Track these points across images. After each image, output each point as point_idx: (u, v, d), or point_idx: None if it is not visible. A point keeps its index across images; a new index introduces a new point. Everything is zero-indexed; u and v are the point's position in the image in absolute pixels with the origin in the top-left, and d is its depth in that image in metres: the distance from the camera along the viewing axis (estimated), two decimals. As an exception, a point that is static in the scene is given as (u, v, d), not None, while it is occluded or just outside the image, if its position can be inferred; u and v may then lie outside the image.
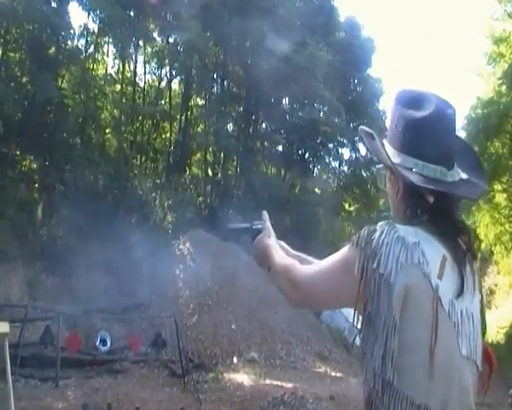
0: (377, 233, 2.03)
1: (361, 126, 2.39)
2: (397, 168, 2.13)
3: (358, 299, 2.02)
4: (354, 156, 42.99)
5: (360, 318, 2.07)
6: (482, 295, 2.20)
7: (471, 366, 2.03)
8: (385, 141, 2.27)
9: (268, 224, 2.79)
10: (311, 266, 2.38)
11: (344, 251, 2.13)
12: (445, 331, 1.95)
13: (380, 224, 2.08)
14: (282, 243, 2.85)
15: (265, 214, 2.85)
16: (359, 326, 2.09)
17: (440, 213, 2.12)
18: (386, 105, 40.13)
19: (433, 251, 2.02)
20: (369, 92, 41.19)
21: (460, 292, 2.03)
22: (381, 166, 2.35)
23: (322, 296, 2.23)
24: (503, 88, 27.97)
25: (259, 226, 2.82)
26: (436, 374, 1.91)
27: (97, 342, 16.63)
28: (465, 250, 2.13)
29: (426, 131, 2.13)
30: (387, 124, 2.34)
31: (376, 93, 42.09)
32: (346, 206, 44.84)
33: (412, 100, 2.20)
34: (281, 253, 2.62)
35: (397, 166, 2.14)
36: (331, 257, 2.19)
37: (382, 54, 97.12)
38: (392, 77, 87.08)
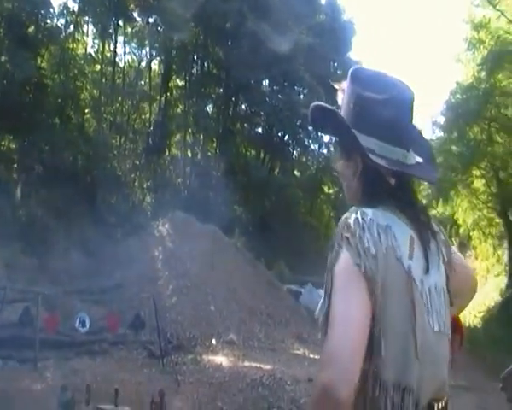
0: (351, 221, 1.96)
1: (317, 103, 2.26)
2: (365, 150, 2.07)
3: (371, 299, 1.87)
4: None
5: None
6: (446, 264, 2.22)
7: (443, 340, 2.07)
8: None
9: None
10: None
11: (341, 268, 1.92)
12: (419, 312, 1.97)
13: (348, 213, 2.02)
14: None
15: None
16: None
17: (403, 195, 2.13)
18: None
19: (402, 232, 2.02)
20: (349, 75, 41.14)
21: (426, 269, 2.04)
22: (334, 144, 2.33)
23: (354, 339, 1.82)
24: (483, 74, 28.08)
25: None
26: (416, 355, 1.93)
27: (76, 324, 16.57)
28: (427, 228, 2.13)
29: (387, 113, 2.11)
30: (343, 104, 2.24)
31: (356, 76, 42.05)
32: (325, 188, 44.89)
33: (373, 80, 2.18)
34: None
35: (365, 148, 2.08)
36: (334, 294, 1.91)
37: (363, 37, 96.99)
38: (372, 60, 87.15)
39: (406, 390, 1.92)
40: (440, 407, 2.06)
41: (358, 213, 1.99)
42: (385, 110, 2.11)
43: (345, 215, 2.03)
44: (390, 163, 2.07)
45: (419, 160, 2.17)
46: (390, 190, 2.11)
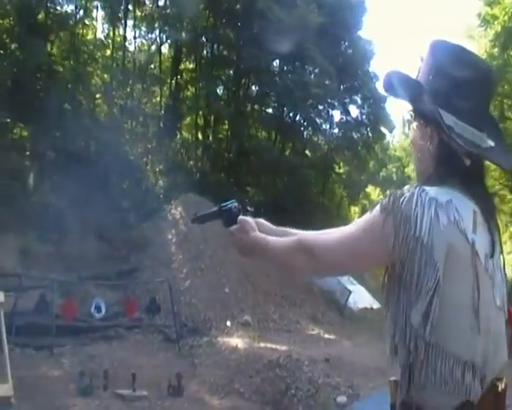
0: (406, 197, 2.00)
1: (398, 72, 2.26)
2: (447, 128, 2.07)
3: (387, 263, 2.09)
4: (345, 119, 42.85)
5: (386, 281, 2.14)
6: (502, 248, 2.22)
7: (502, 316, 2.09)
8: None
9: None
10: (329, 235, 2.35)
11: (369, 217, 2.10)
12: (483, 285, 1.98)
13: (406, 187, 2.07)
14: (261, 221, 2.71)
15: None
16: (386, 290, 2.16)
17: (475, 177, 2.14)
18: (377, 67, 39.98)
19: (465, 207, 2.03)
20: (360, 54, 40.62)
21: (492, 247, 2.07)
22: (410, 114, 2.29)
23: (344, 262, 2.19)
24: (495, 50, 27.90)
25: (230, 206, 2.60)
26: (480, 329, 1.95)
27: (92, 309, 16.65)
28: (490, 207, 2.16)
29: (470, 93, 2.10)
30: (421, 74, 2.24)
31: (367, 55, 41.63)
32: (337, 168, 44.71)
33: (457, 56, 2.16)
34: (272, 233, 2.57)
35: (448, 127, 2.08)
36: (353, 224, 2.20)
37: (373, 15, 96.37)
38: (383, 38, 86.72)
39: (468, 364, 1.94)
40: (504, 386, 2.05)
41: (416, 189, 2.01)
42: (468, 90, 2.10)
43: (405, 187, 2.08)
44: (467, 143, 2.06)
45: (492, 144, 2.14)
46: (464, 170, 2.10)
